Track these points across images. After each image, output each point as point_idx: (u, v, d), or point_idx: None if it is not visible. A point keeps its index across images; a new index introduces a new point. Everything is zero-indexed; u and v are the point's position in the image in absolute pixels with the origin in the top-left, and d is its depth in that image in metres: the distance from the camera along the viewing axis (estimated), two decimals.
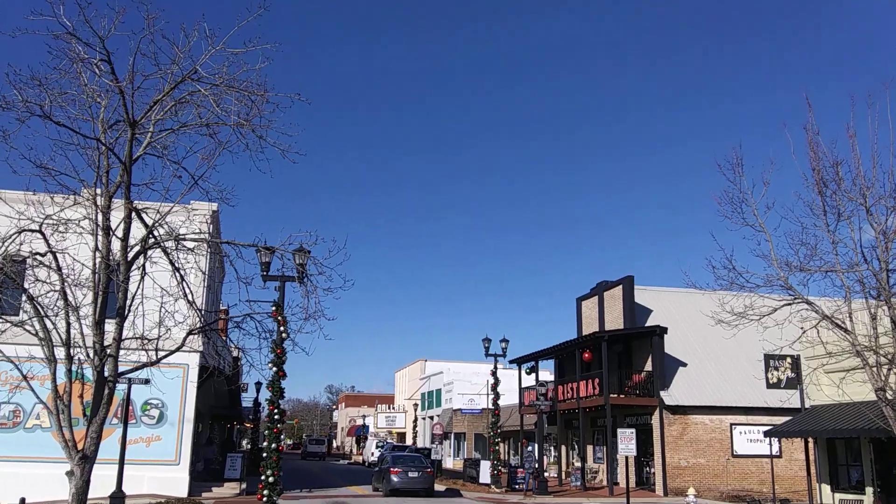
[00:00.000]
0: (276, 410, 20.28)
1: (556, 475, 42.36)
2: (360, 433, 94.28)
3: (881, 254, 14.50)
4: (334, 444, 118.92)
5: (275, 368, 19.85)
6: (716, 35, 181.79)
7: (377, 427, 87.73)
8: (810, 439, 23.80)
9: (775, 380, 25.36)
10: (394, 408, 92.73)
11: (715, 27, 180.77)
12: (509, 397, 49.53)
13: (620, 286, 40.12)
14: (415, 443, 65.91)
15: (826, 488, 23.52)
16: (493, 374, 37.91)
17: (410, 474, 31.68)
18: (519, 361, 45.17)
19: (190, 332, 12.72)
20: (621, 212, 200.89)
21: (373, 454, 67.61)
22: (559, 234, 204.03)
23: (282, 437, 20.93)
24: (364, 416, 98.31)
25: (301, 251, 13.53)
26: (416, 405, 74.45)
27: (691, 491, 24.86)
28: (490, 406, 38.99)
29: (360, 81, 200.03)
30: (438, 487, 37.63)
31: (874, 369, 14.62)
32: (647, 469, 37.00)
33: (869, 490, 21.64)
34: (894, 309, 14.45)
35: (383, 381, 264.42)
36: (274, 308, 18.98)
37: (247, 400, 57.02)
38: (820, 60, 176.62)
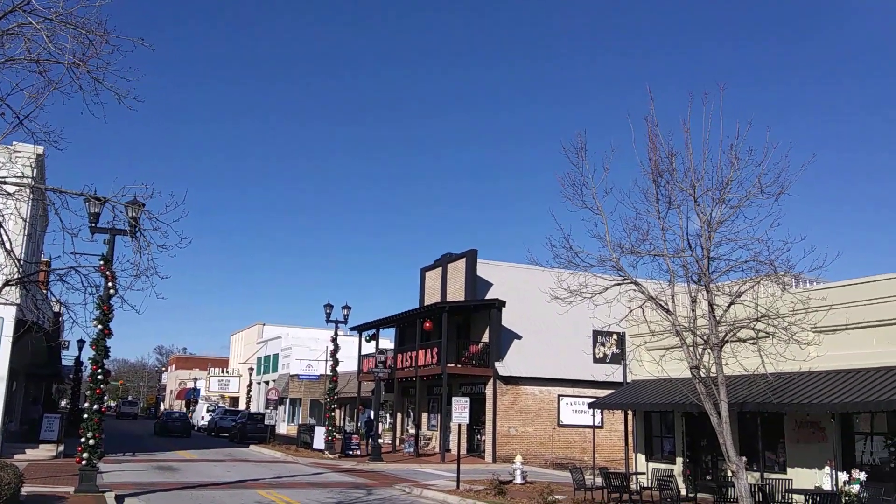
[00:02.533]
0: (99, 370, 19.24)
1: (390, 442, 42.93)
2: (190, 396, 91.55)
3: (705, 242, 15.50)
4: (162, 408, 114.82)
5: (100, 326, 18.81)
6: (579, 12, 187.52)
7: (209, 391, 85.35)
8: (630, 412, 25.36)
9: (602, 355, 26.85)
10: (228, 371, 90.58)
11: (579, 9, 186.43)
12: (348, 364, 49.57)
13: (464, 259, 40.95)
14: (248, 407, 64.64)
15: (641, 457, 25.20)
16: (333, 340, 37.72)
17: (175, 424, 52.75)
18: (360, 329, 45.24)
19: (6, 283, 11.74)
20: (469, 186, 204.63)
21: (203, 418, 65.84)
22: (407, 205, 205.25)
23: (105, 398, 19.90)
24: (196, 380, 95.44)
25: (135, 204, 12.71)
26: (251, 369, 73.01)
27: (518, 458, 25.90)
28: (328, 372, 38.84)
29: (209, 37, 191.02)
30: (271, 452, 37.96)
31: (691, 348, 15.69)
32: (479, 437, 38.22)
33: (679, 460, 23.39)
34: (712, 293, 15.54)
35: (218, 344, 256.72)
36: (102, 262, 17.94)
37: (67, 358, 54.02)
38: (665, 56, 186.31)
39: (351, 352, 49.54)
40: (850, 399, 16.34)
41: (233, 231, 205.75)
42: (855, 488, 15.92)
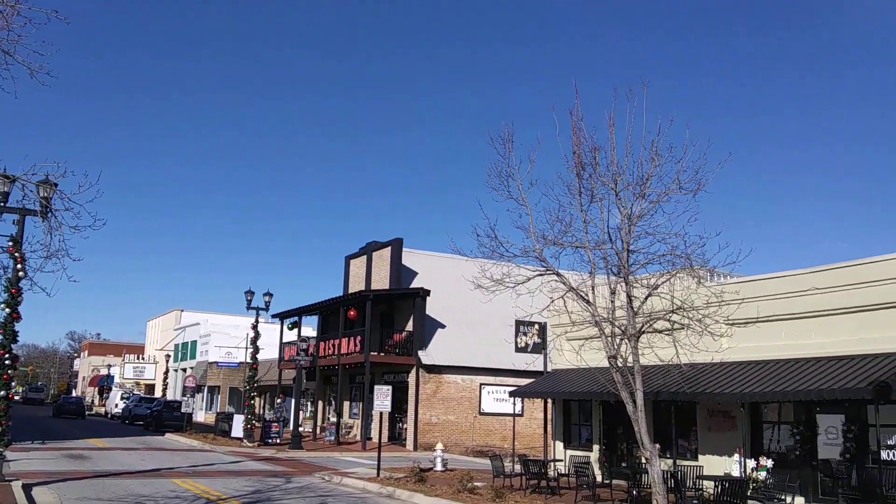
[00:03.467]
0: (7, 355, 18.45)
1: (310, 430, 42.59)
2: (103, 383, 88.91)
3: (625, 235, 15.81)
4: (73, 395, 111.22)
5: (8, 309, 18.02)
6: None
7: (124, 378, 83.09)
8: (549, 400, 25.77)
9: (523, 344, 27.11)
10: (143, 358, 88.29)
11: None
12: (269, 352, 48.90)
13: (389, 247, 40.83)
14: (164, 395, 63.13)
15: (560, 445, 25.66)
16: (254, 327, 37.13)
17: (70, 407, 61.18)
18: (282, 316, 44.68)
19: None
20: (394, 174, 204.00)
21: (116, 406, 64.18)
22: (332, 192, 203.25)
23: (13, 384, 19.10)
24: (110, 366, 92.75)
25: (46, 183, 12.28)
26: (168, 356, 71.32)
27: (439, 446, 26.05)
28: (248, 360, 38.25)
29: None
30: (188, 441, 37.17)
31: (609, 339, 16.01)
32: (400, 425, 38.27)
33: (596, 447, 23.93)
34: (631, 286, 15.89)
35: (134, 330, 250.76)
36: (10, 243, 17.23)
37: None
38: (593, 55, 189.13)
39: (272, 339, 48.88)
40: (759, 389, 16.97)
41: (149, 213, 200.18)
42: (762, 475, 16.58)
